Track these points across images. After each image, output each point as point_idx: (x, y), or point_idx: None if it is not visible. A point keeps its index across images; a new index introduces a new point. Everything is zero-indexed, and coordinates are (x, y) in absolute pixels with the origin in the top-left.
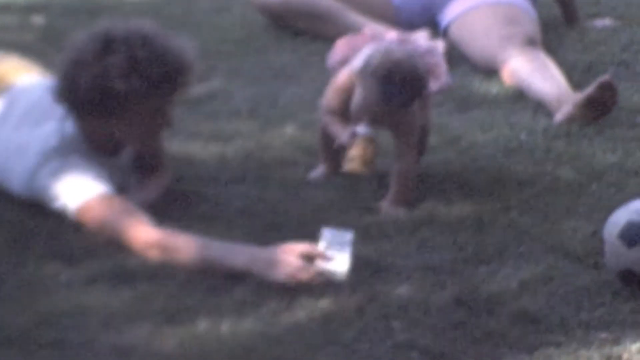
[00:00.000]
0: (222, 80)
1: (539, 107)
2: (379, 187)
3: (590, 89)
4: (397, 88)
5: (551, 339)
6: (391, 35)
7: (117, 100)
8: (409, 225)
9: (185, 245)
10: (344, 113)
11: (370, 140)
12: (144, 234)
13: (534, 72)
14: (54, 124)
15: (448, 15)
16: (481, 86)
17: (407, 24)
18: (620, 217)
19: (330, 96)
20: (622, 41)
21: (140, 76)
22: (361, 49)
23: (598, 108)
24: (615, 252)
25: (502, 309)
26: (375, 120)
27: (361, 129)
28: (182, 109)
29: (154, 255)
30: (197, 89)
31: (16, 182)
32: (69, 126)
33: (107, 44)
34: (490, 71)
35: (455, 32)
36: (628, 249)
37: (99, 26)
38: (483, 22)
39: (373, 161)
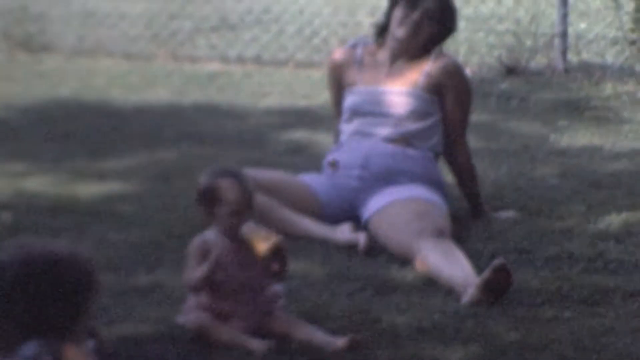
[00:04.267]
0: (169, 271)
1: (450, 291)
2: None
3: (486, 273)
4: None
5: None
6: None
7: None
8: None
9: None
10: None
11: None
12: None
13: (442, 261)
14: None
15: (368, 210)
16: (398, 273)
17: (332, 218)
18: None
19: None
20: (523, 231)
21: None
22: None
23: (495, 289)
24: None
25: None
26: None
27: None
28: None
29: None
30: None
31: None
32: None
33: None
34: (406, 260)
35: (374, 226)
36: None
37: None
38: (397, 217)
39: None
